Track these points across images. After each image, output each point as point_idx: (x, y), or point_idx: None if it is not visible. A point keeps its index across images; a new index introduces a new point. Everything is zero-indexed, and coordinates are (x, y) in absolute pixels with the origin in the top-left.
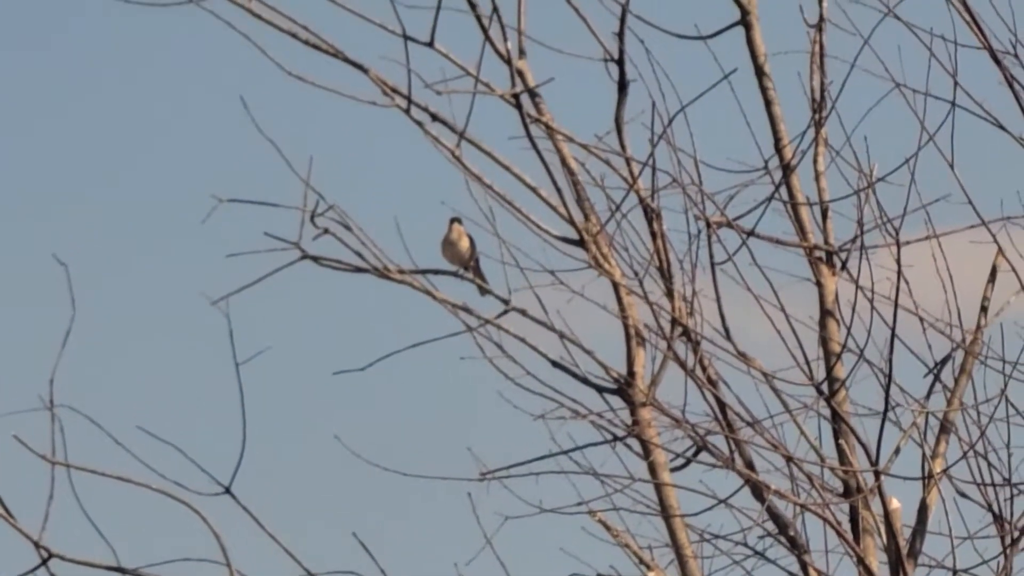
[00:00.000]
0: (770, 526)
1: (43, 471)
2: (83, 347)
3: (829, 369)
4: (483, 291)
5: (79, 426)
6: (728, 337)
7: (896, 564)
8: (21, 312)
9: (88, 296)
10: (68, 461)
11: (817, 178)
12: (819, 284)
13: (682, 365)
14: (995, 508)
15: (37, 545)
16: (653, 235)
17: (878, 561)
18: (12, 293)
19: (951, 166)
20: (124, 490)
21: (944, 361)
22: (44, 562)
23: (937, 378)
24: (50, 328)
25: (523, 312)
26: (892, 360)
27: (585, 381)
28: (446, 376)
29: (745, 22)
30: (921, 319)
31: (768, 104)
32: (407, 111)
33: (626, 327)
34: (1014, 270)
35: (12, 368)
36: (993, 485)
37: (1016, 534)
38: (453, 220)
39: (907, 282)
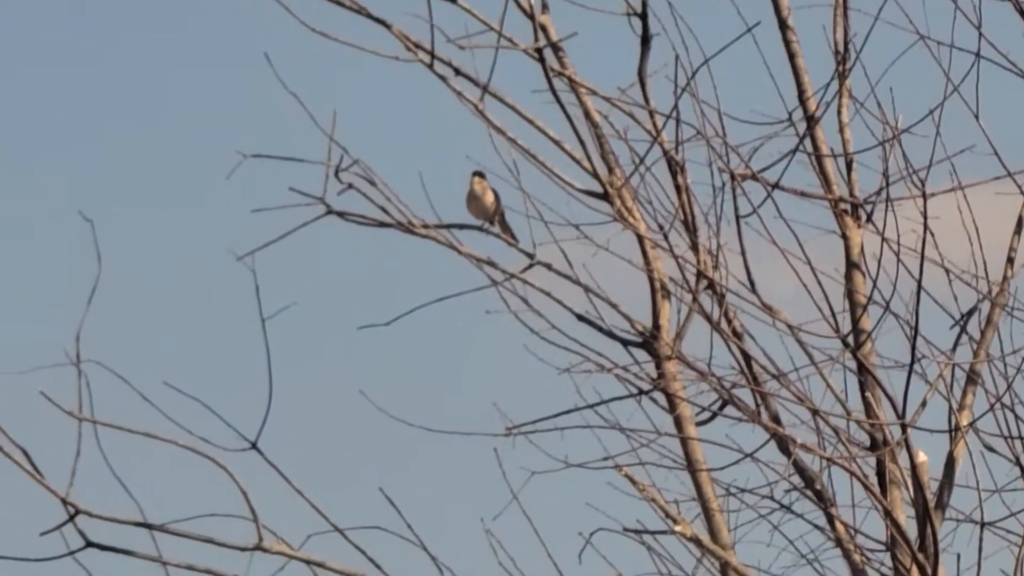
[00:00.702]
0: (796, 480)
1: (70, 427)
2: (109, 303)
3: (855, 321)
4: (510, 244)
5: (106, 382)
6: (753, 290)
7: (923, 517)
8: (47, 268)
9: (114, 252)
10: (95, 417)
11: (841, 130)
12: (844, 236)
13: (707, 318)
14: (1022, 461)
15: (64, 501)
16: (677, 188)
17: (905, 515)
18: (38, 249)
19: (976, 117)
20: (151, 446)
21: (970, 313)
22: (71, 518)
23: (963, 330)
24: (76, 284)
25: (548, 266)
26: (918, 312)
27: (610, 335)
28: (471, 331)
29: None
30: (947, 271)
31: (792, 57)
32: (430, 66)
33: (651, 280)
34: None
35: (39, 324)
36: (1021, 438)
37: None
38: (475, 174)
39: (933, 234)
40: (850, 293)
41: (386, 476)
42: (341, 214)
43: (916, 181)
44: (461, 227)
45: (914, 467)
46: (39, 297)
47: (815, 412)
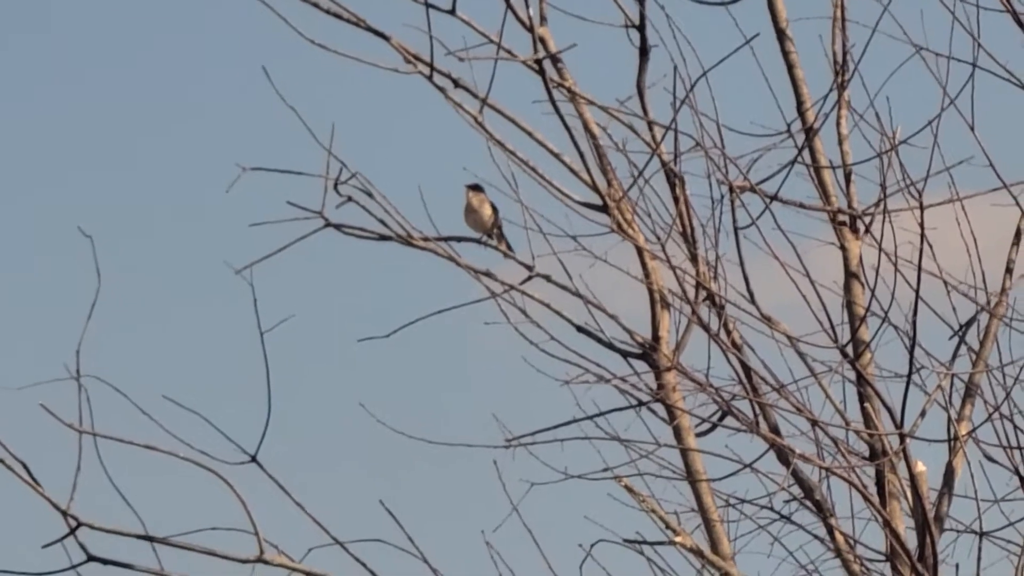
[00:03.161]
0: (796, 490)
1: (70, 441)
2: (109, 317)
3: (854, 332)
4: (507, 256)
5: (106, 396)
6: (752, 301)
7: (922, 528)
8: (47, 283)
9: (113, 267)
10: (95, 430)
11: (840, 142)
12: (843, 248)
13: (706, 329)
14: (1021, 471)
15: (65, 514)
16: (676, 200)
17: (904, 525)
18: (39, 264)
19: (972, 128)
20: (151, 459)
21: (969, 323)
22: (72, 531)
23: (962, 341)
24: (76, 299)
25: (547, 278)
26: (916, 322)
27: (610, 346)
28: (470, 343)
29: None
30: (945, 282)
31: (790, 68)
32: (429, 78)
33: (650, 291)
34: None
35: (39, 338)
36: (1020, 448)
37: None
38: (469, 187)
39: (931, 245)
40: (849, 304)
41: (386, 488)
42: (339, 227)
43: (914, 192)
44: (460, 239)
45: (913, 477)
46: (39, 311)
47: (814, 423)
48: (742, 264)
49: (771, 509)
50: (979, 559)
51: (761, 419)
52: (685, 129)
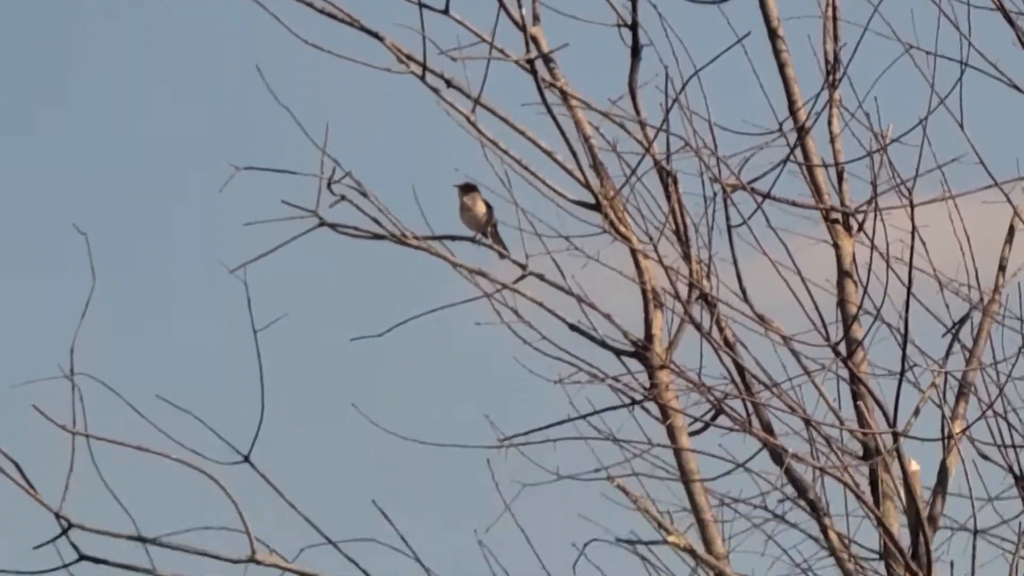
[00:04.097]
0: (789, 490)
1: (63, 441)
2: (102, 316)
3: (847, 330)
4: (502, 257)
5: (98, 396)
6: (745, 299)
7: (916, 526)
8: (41, 281)
9: (107, 265)
10: (88, 431)
11: (832, 140)
12: (836, 246)
13: (699, 328)
14: (1016, 469)
15: (57, 516)
16: (669, 199)
17: (898, 523)
18: (31, 262)
19: (961, 126)
20: (143, 460)
21: (962, 321)
22: (64, 532)
23: (955, 338)
24: (70, 298)
25: (540, 277)
26: (908, 320)
27: (603, 344)
28: (463, 342)
29: None
30: (938, 279)
31: (782, 67)
32: (422, 78)
33: (643, 290)
34: None
35: (32, 338)
36: (1014, 446)
37: None
38: (460, 187)
39: (924, 243)
40: (842, 302)
41: (379, 488)
42: (333, 226)
43: (904, 190)
44: (453, 239)
45: (906, 476)
46: (32, 310)
47: (807, 421)
48: (735, 263)
49: (765, 508)
50: (974, 557)
51: (754, 418)
52: (677, 129)
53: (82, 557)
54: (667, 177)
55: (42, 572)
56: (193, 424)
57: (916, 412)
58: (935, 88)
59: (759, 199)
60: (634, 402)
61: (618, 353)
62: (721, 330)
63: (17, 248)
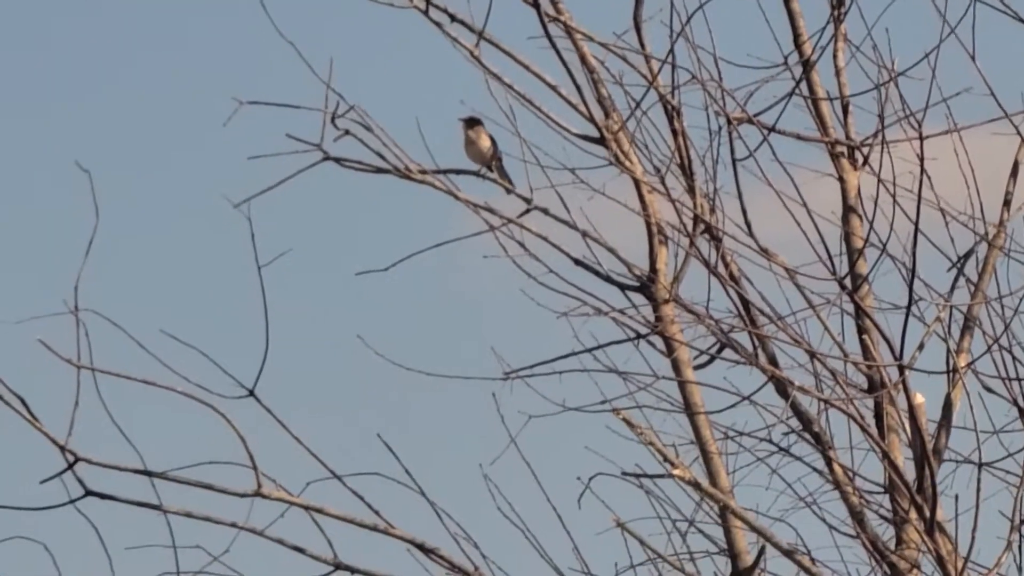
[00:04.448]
0: (794, 422)
1: (68, 375)
2: (106, 251)
3: (852, 264)
4: (508, 192)
5: (104, 330)
6: (750, 233)
7: (921, 459)
8: (45, 217)
9: (111, 201)
10: (93, 365)
11: (837, 73)
12: (841, 179)
13: (704, 262)
14: (1020, 402)
15: (63, 449)
16: (674, 132)
17: (903, 457)
18: (36, 198)
19: (973, 58)
20: (149, 394)
21: (967, 255)
22: (70, 466)
23: (961, 272)
24: (74, 233)
25: (545, 211)
26: (915, 254)
27: (608, 279)
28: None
29: None
30: (944, 213)
31: (787, 0)
32: (425, 12)
33: (648, 224)
34: None
35: (37, 273)
36: (1019, 379)
37: None
38: (465, 120)
39: (929, 176)
40: (847, 236)
41: (384, 422)
42: (338, 160)
43: (912, 123)
44: (458, 172)
45: (912, 409)
46: (37, 246)
47: (812, 354)
48: (740, 196)
49: (770, 441)
50: (978, 490)
51: (759, 351)
52: (682, 62)
53: (88, 492)
54: (672, 111)
55: (48, 507)
56: (198, 358)
57: (921, 346)
58: (946, 19)
59: (764, 132)
60: (639, 336)
61: (623, 287)
62: (726, 264)
63: (21, 182)
